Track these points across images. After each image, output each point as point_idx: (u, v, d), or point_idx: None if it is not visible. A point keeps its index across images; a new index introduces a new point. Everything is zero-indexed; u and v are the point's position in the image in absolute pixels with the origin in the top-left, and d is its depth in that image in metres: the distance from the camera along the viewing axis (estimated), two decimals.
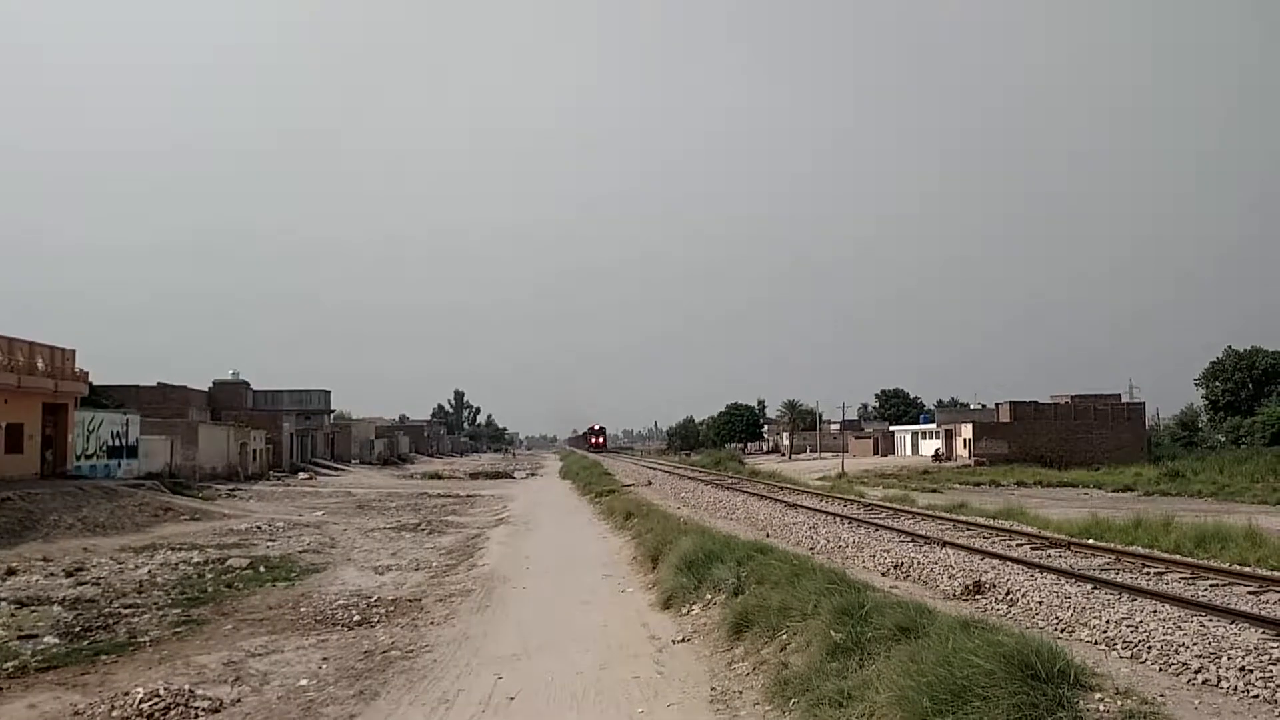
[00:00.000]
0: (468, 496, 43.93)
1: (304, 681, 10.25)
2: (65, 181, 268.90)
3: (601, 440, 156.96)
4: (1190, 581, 13.34)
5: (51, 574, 17.98)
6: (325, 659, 11.31)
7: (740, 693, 9.01)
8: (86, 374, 40.84)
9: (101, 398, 46.99)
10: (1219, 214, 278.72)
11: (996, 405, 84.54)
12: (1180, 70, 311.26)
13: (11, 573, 17.91)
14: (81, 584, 16.87)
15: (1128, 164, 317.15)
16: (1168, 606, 10.78)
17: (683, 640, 11.42)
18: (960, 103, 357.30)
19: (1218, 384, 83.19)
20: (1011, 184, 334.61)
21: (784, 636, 9.68)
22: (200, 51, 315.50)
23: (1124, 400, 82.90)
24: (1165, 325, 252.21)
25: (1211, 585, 13.01)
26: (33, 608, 14.48)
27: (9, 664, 10.86)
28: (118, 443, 43.43)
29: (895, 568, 14.68)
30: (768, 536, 18.94)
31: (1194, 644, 8.58)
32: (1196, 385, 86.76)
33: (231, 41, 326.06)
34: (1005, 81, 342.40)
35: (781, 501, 30.10)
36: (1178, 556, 15.65)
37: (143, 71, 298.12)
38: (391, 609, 14.59)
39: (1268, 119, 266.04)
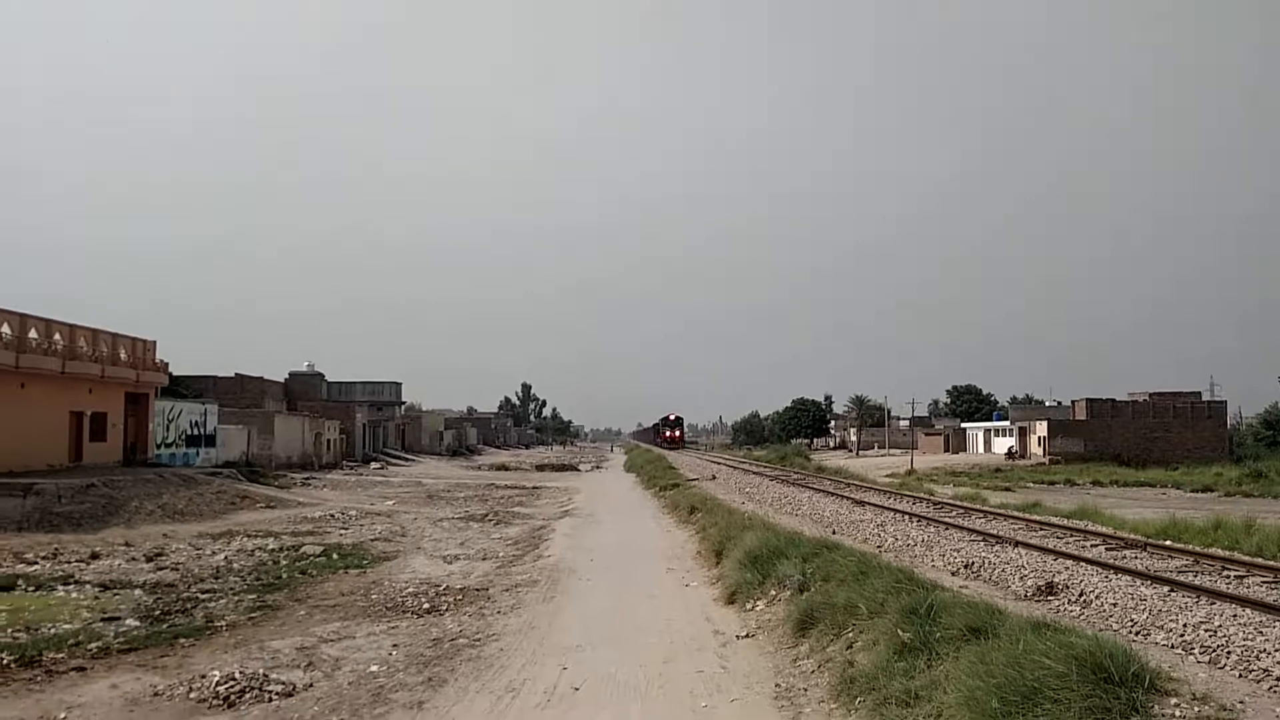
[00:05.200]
0: (533, 488, 44.28)
1: (374, 667, 10.42)
2: (138, 191, 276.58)
3: (678, 434, 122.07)
4: (1273, 585, 12.93)
5: (133, 558, 18.52)
6: (395, 645, 11.49)
7: (805, 690, 8.96)
8: (166, 365, 42.01)
9: (181, 388, 48.35)
10: None
11: (1072, 403, 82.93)
12: (1206, 39, 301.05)
13: (95, 556, 18.50)
14: (161, 569, 17.36)
15: (1222, 160, 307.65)
16: (1249, 611, 10.46)
17: (747, 636, 11.38)
18: (984, 91, 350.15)
19: None
20: (1084, 173, 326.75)
21: (850, 634, 9.60)
22: (272, 51, 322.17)
23: (1204, 398, 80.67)
24: (1250, 322, 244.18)
25: None
26: (115, 591, 14.94)
27: (93, 645, 11.21)
28: (196, 432, 44.62)
29: (965, 567, 14.47)
30: (834, 533, 18.79)
31: (1276, 650, 8.32)
32: None
33: (306, 43, 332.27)
34: (1026, 62, 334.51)
35: (848, 498, 29.84)
36: (1260, 560, 15.17)
37: (208, 76, 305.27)
38: (460, 597, 14.76)
39: None
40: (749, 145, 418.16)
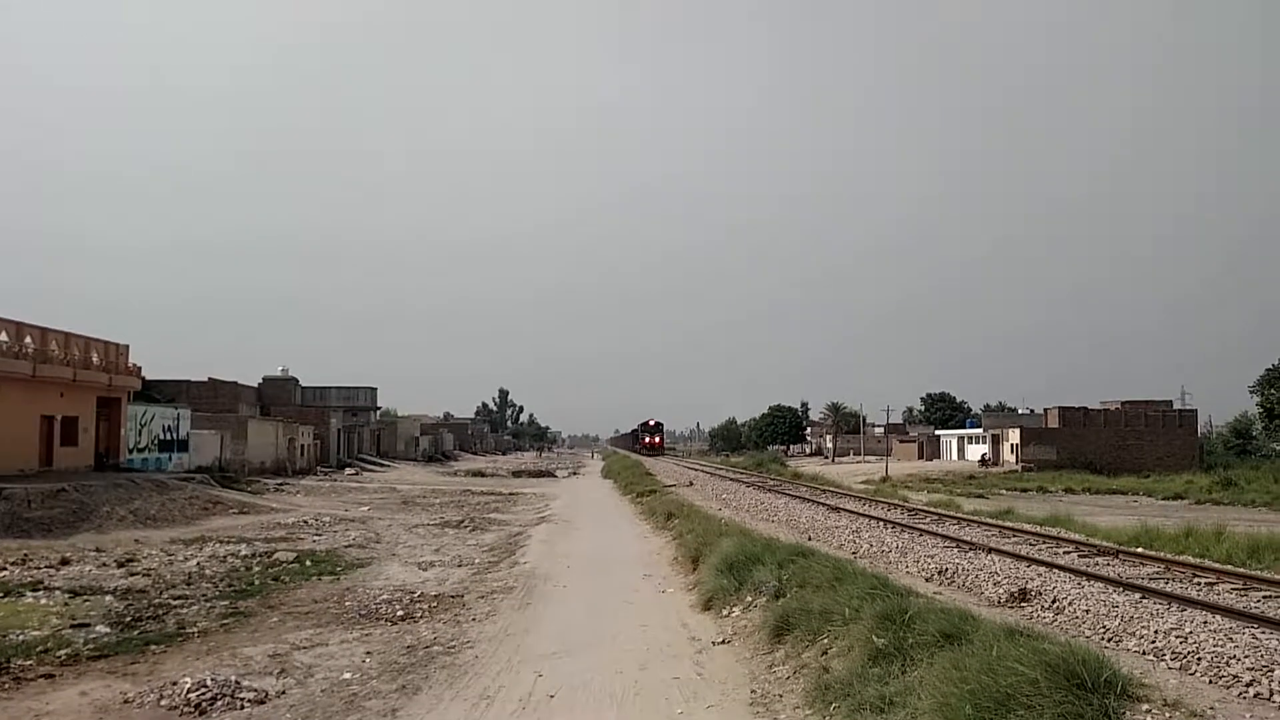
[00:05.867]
0: (510, 494, 44.17)
1: (348, 675, 10.37)
2: (115, 184, 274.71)
3: (658, 440, 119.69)
4: (1242, 592, 13.06)
5: (104, 564, 18.34)
6: (369, 653, 11.43)
7: (780, 696, 8.98)
8: (139, 369, 41.63)
9: (153, 392, 47.89)
10: (1274, 213, 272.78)
11: (1045, 410, 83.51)
12: (1202, 45, 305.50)
13: (65, 562, 18.30)
14: (132, 575, 17.20)
15: (1207, 175, 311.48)
16: (1219, 617, 10.57)
17: (723, 642, 11.40)
18: (965, 100, 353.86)
19: (1273, 391, 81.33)
20: (1059, 181, 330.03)
21: (825, 640, 9.63)
22: (245, 52, 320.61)
23: (1175, 407, 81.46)
24: (1220, 331, 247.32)
25: (1265, 597, 12.72)
26: (85, 597, 14.78)
27: (62, 652, 11.10)
28: (169, 436, 44.23)
29: (939, 573, 14.54)
30: (809, 540, 18.82)
31: (1246, 656, 8.40)
32: (1251, 393, 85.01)
33: (281, 42, 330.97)
34: (1005, 82, 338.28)
35: (824, 505, 29.92)
36: (1230, 567, 15.34)
37: (187, 73, 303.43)
38: (434, 604, 14.71)
39: None
40: (733, 153, 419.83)
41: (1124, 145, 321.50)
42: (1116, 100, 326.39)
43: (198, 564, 18.68)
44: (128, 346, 40.13)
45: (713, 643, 11.41)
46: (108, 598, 14.75)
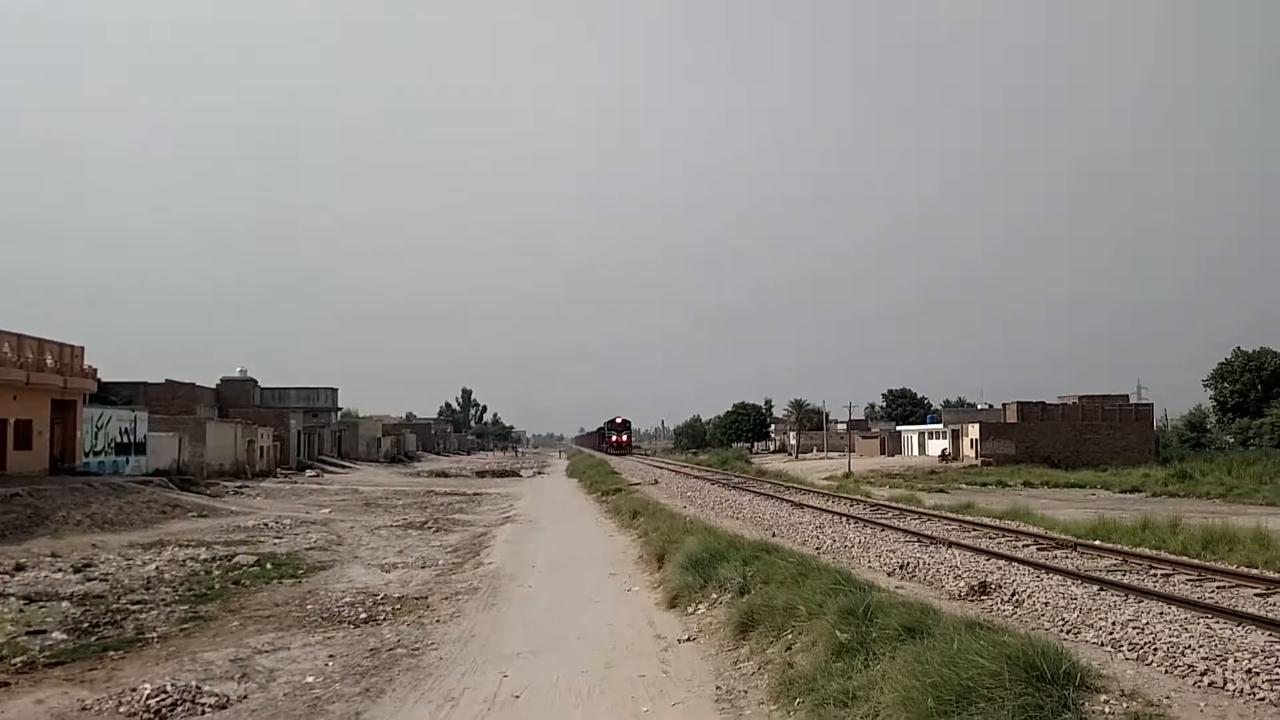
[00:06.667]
0: (474, 495, 43.97)
1: (310, 679, 10.28)
2: (75, 172, 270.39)
3: (625, 439, 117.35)
4: (1197, 583, 13.31)
5: (60, 570, 18.03)
6: (331, 656, 11.34)
7: (745, 692, 9.03)
8: (95, 371, 40.98)
9: (110, 394, 47.13)
10: (1227, 212, 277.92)
11: (1003, 406, 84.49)
12: (1183, 68, 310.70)
13: (20, 568, 17.96)
14: (90, 580, 16.92)
15: (1132, 163, 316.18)
16: (1174, 608, 10.75)
17: (688, 639, 11.43)
18: (963, 103, 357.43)
19: (1226, 385, 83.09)
20: (1017, 184, 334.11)
21: (789, 636, 9.69)
22: (214, 48, 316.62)
23: (1132, 401, 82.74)
24: (1174, 326, 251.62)
25: (1219, 587, 12.97)
26: (41, 603, 14.52)
27: (17, 659, 10.90)
28: (126, 439, 43.58)
29: (901, 568, 14.66)
30: (774, 536, 18.92)
31: (1200, 646, 8.55)
32: (1205, 386, 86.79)
33: (249, 37, 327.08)
34: (1005, 82, 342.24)
35: (788, 501, 30.08)
36: (1185, 558, 15.60)
37: (159, 71, 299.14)
38: (398, 607, 14.62)
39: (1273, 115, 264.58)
40: (710, 157, 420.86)
41: (1120, 146, 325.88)
42: (1116, 101, 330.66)
43: (156, 568, 18.42)
44: (83, 348, 39.52)
45: (678, 640, 11.45)
46: (64, 604, 14.50)
